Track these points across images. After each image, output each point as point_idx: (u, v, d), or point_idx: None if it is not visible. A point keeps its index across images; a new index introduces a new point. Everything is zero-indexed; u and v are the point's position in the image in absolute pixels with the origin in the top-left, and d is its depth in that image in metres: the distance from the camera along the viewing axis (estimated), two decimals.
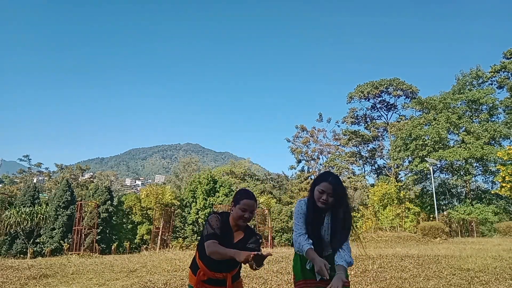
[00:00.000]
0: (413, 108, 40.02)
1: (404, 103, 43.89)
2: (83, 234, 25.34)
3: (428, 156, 30.81)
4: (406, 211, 28.78)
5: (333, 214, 2.66)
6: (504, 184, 24.36)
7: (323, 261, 2.38)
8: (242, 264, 2.62)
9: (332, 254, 2.58)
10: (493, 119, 34.57)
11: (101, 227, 33.27)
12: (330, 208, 2.64)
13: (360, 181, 44.02)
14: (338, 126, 48.68)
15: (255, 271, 2.41)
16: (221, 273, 2.57)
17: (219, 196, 37.03)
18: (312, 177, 47.28)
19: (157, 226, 30.03)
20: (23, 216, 30.74)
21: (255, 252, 2.21)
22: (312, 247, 2.52)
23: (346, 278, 2.42)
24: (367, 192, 38.13)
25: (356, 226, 27.80)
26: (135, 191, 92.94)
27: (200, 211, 36.10)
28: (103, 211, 34.34)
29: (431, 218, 27.39)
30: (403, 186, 35.92)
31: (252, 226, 2.80)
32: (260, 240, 2.72)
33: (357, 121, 46.84)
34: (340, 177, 2.83)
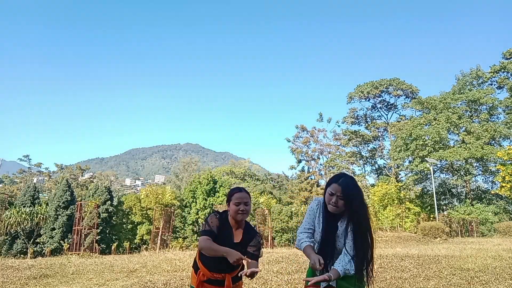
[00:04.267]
0: (413, 108, 40.04)
1: (404, 103, 43.94)
2: (83, 234, 25.28)
3: (428, 156, 30.81)
4: (407, 211, 28.74)
5: (350, 222, 2.39)
6: (504, 184, 24.38)
7: (318, 256, 2.28)
8: (245, 266, 2.67)
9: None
10: (493, 119, 34.61)
11: (101, 227, 33.23)
12: (345, 214, 2.41)
13: (360, 181, 44.01)
14: (339, 126, 48.69)
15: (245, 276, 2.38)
16: (220, 273, 2.57)
17: (219, 196, 37.04)
18: (313, 177, 47.28)
19: (157, 226, 30.00)
20: (23, 216, 30.69)
21: (248, 260, 2.36)
22: (312, 245, 2.40)
23: (330, 280, 2.24)
24: (367, 192, 38.11)
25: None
26: (135, 191, 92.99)
27: (200, 211, 36.09)
28: (103, 211, 34.31)
29: (431, 218, 27.37)
30: (404, 186, 35.92)
31: (254, 226, 2.74)
32: (260, 241, 2.70)
33: (357, 121, 46.85)
34: (355, 178, 2.53)
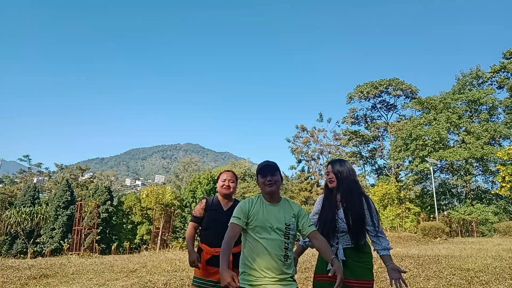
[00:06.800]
0: (413, 108, 40.01)
1: (404, 103, 43.89)
2: (83, 234, 25.31)
3: (429, 156, 30.79)
4: (407, 211, 28.72)
5: (342, 198, 2.57)
6: (504, 184, 24.37)
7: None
8: None
9: (352, 248, 2.50)
10: (493, 119, 34.58)
11: (101, 227, 33.27)
12: (342, 193, 2.56)
13: (361, 181, 43.99)
14: (339, 126, 48.65)
15: None
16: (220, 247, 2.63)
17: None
18: (313, 177, 47.29)
19: (157, 226, 30.02)
20: (23, 216, 30.71)
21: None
22: (301, 247, 2.82)
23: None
24: (367, 192, 38.08)
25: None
26: (135, 191, 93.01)
27: None
28: (103, 211, 34.34)
29: (431, 218, 27.36)
30: (404, 186, 35.90)
31: None
32: None
33: (357, 121, 46.81)
34: (348, 162, 2.74)
